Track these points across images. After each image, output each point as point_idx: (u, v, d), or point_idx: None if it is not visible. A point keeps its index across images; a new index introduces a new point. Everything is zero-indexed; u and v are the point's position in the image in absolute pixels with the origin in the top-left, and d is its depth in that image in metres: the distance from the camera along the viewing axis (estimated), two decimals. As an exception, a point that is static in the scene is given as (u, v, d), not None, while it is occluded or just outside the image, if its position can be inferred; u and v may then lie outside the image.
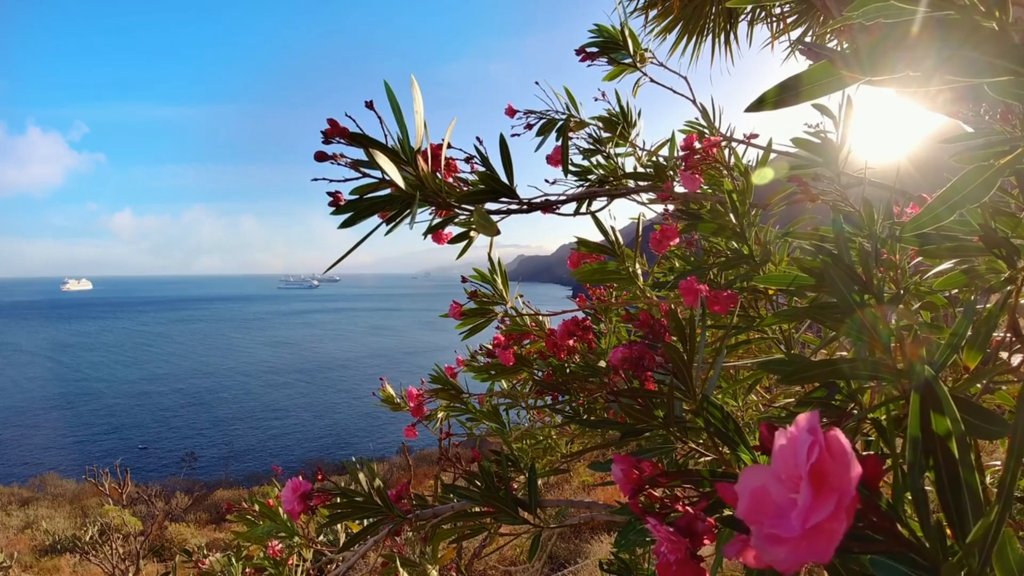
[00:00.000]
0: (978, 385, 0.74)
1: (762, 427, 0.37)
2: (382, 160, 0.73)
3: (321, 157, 0.72)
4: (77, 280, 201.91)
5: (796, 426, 0.31)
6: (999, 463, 0.99)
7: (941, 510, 0.36)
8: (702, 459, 0.78)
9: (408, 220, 0.78)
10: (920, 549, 0.34)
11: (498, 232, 0.83)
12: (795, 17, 3.63)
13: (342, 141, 0.74)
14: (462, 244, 0.97)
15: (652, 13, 3.68)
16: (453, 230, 0.94)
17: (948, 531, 0.36)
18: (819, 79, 0.49)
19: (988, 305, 0.67)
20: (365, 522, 1.26)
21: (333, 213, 0.77)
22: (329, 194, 0.76)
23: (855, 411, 0.66)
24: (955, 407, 0.36)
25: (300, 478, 1.21)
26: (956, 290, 0.85)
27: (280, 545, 1.79)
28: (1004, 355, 0.72)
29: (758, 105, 0.52)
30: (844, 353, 1.13)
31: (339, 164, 0.75)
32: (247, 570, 1.91)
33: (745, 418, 1.52)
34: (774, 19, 3.73)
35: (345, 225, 0.77)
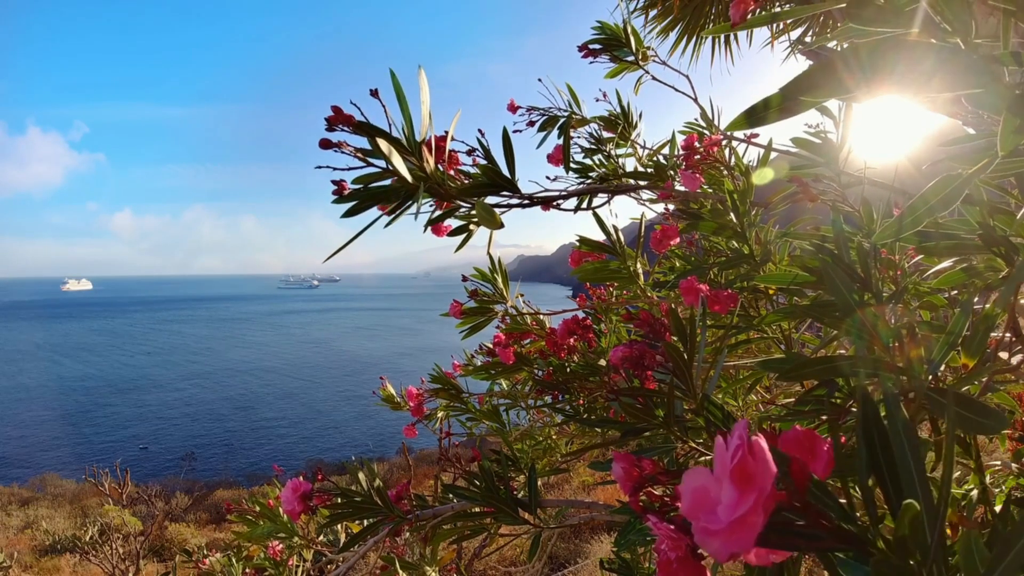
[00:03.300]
0: (978, 384, 0.74)
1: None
2: (387, 149, 0.71)
3: (326, 144, 0.72)
4: (77, 280, 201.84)
5: (732, 432, 0.35)
6: (999, 463, 0.99)
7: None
8: (703, 458, 0.78)
9: (409, 211, 0.78)
10: (862, 541, 0.36)
11: (501, 225, 0.82)
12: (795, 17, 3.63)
13: (346, 129, 0.73)
14: (460, 239, 0.97)
15: (652, 13, 3.68)
16: (454, 223, 0.93)
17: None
18: (819, 85, 0.49)
19: (987, 305, 0.67)
20: (366, 522, 1.26)
21: (335, 202, 0.76)
22: (333, 182, 0.75)
23: (854, 408, 0.66)
24: (905, 413, 0.39)
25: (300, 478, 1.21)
26: (955, 290, 0.85)
27: (280, 545, 1.78)
28: (1004, 355, 0.72)
29: (762, 111, 0.51)
30: (844, 352, 1.13)
31: (343, 152, 0.74)
32: (247, 570, 1.91)
33: (746, 418, 1.52)
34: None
35: (348, 214, 0.77)
